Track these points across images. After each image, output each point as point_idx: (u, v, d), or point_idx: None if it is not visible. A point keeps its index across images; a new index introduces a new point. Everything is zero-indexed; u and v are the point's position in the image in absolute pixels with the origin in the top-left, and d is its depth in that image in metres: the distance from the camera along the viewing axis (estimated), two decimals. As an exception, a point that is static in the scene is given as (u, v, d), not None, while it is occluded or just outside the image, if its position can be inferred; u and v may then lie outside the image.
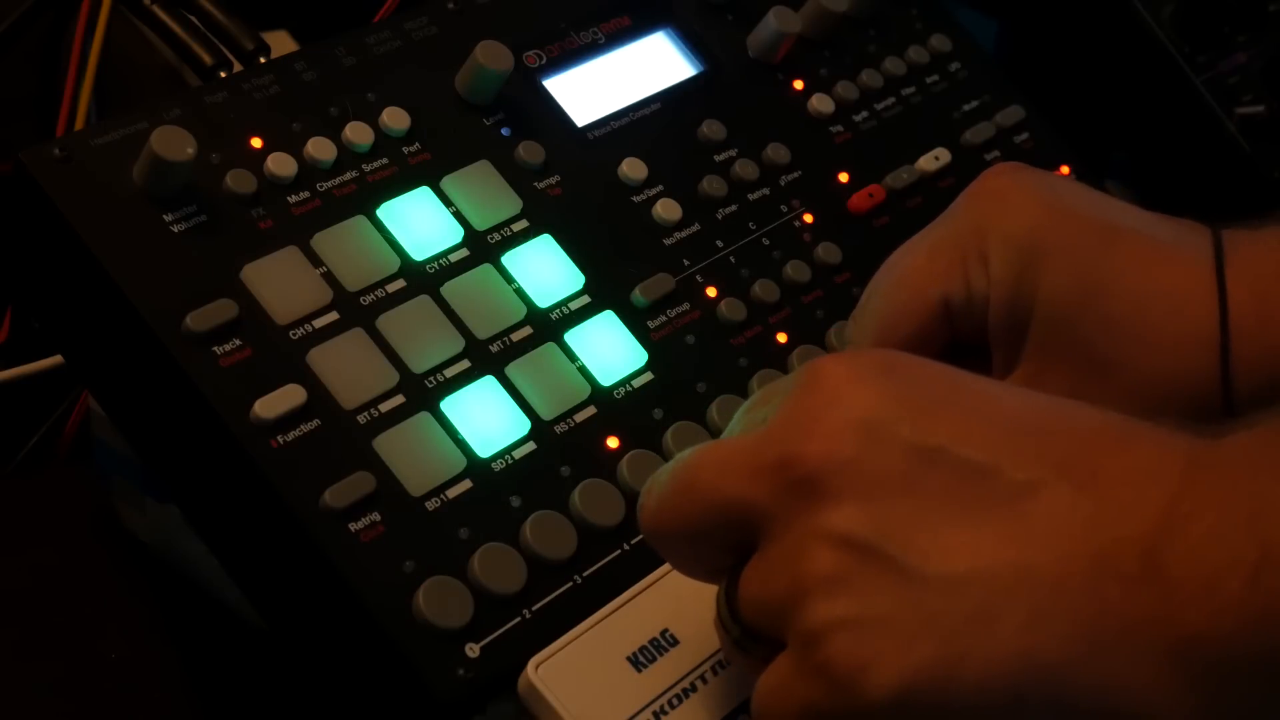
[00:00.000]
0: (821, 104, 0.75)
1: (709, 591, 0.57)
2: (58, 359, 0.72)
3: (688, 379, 0.64)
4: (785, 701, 0.47)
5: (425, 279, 0.61)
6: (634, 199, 0.68)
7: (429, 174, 0.64)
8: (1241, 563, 0.41)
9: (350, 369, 0.58)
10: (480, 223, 0.64)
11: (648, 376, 0.63)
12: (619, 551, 0.58)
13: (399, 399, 0.58)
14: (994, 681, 0.43)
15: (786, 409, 0.47)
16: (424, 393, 0.59)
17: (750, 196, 0.71)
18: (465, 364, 0.60)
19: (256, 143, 0.61)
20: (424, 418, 0.58)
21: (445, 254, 0.62)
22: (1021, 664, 0.43)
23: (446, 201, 0.63)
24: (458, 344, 0.60)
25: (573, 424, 0.61)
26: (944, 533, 0.44)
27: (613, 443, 0.61)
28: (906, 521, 0.45)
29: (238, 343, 0.57)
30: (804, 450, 0.46)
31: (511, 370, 0.60)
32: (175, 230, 0.58)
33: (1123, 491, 0.44)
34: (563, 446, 0.60)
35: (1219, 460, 0.44)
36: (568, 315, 0.63)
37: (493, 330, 0.61)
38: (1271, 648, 0.41)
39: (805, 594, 0.45)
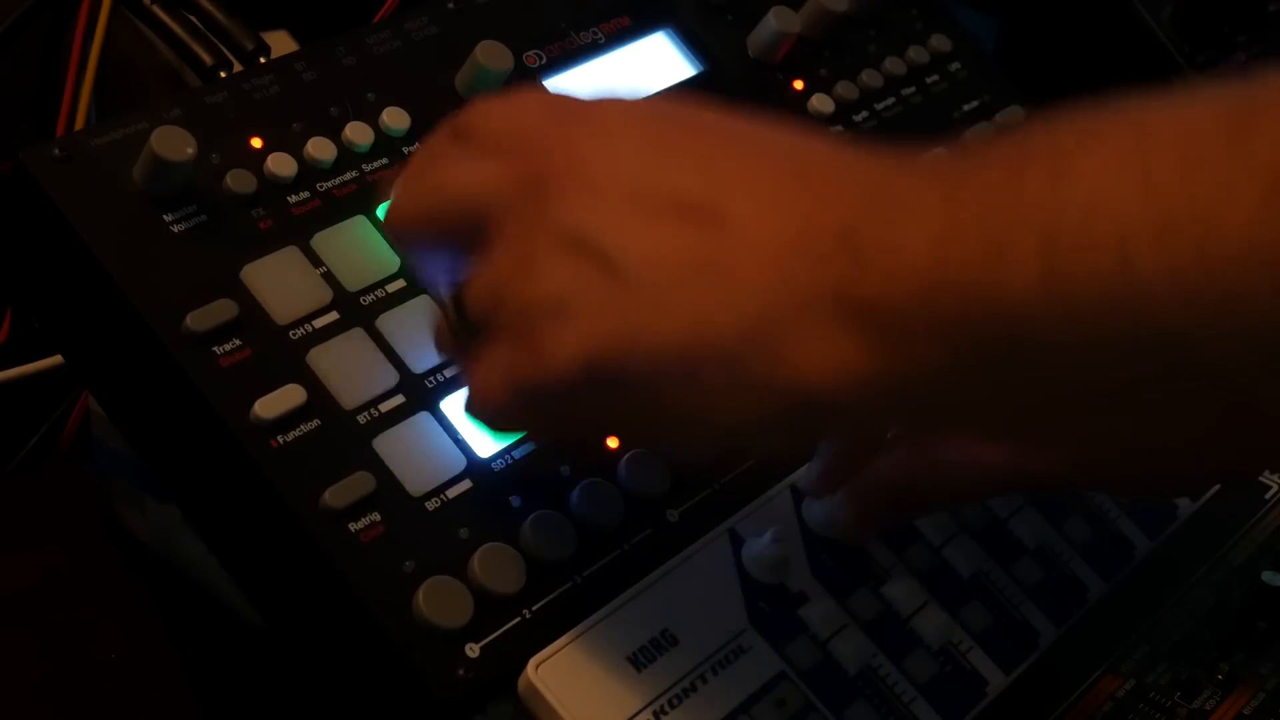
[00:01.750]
0: (821, 104, 0.75)
1: (710, 592, 0.57)
2: (58, 359, 0.72)
3: (688, 379, 0.64)
4: (492, 377, 0.50)
5: (425, 279, 0.61)
6: (634, 199, 0.68)
7: (429, 174, 0.64)
8: (927, 233, 0.43)
9: (350, 369, 0.58)
10: (480, 223, 0.64)
11: (648, 376, 0.63)
12: (619, 551, 0.58)
13: (399, 399, 0.58)
14: (666, 356, 0.46)
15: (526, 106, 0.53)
16: (424, 393, 0.59)
17: (750, 196, 0.71)
18: (465, 364, 0.60)
19: (256, 143, 0.61)
20: (424, 418, 0.58)
21: (445, 254, 0.62)
22: (692, 340, 0.46)
23: (446, 201, 0.63)
24: (458, 344, 0.60)
25: (573, 424, 0.61)
26: (648, 228, 0.47)
27: (613, 443, 0.61)
28: (619, 215, 0.48)
29: (238, 343, 0.57)
30: (538, 146, 0.50)
31: (511, 370, 0.60)
32: (175, 230, 0.58)
33: (831, 192, 0.46)
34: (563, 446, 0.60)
35: (919, 174, 0.46)
36: (568, 315, 0.63)
37: (493, 330, 0.61)
38: (947, 316, 0.43)
39: (519, 271, 0.49)
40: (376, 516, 0.55)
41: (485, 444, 0.59)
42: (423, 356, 0.59)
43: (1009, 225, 0.42)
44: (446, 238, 0.53)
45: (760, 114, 0.51)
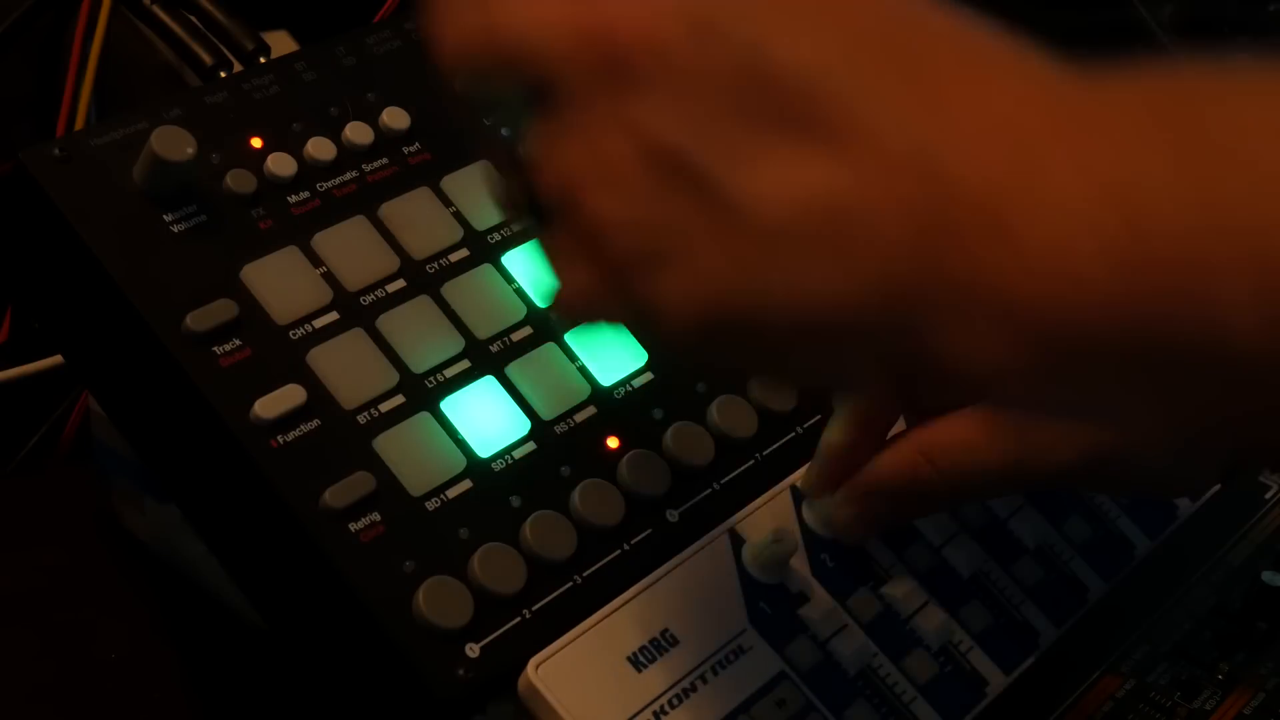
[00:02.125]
0: (821, 104, 0.75)
1: (710, 592, 0.57)
2: (58, 359, 0.72)
3: (688, 379, 0.64)
4: (578, 291, 0.44)
5: (425, 279, 0.61)
6: (634, 199, 0.68)
7: (429, 174, 0.64)
8: (1097, 232, 0.37)
9: (350, 369, 0.58)
10: (480, 223, 0.64)
11: (648, 376, 0.63)
12: (619, 551, 0.58)
13: (399, 399, 0.58)
14: (793, 319, 0.40)
15: None
16: (424, 393, 0.59)
17: (750, 196, 0.70)
18: (465, 364, 0.60)
19: (256, 143, 0.61)
20: (424, 418, 0.58)
21: (445, 254, 0.62)
22: (827, 308, 0.40)
23: (446, 201, 0.63)
24: (458, 344, 0.60)
25: (573, 424, 0.61)
26: (759, 153, 0.40)
27: (613, 443, 0.61)
28: (721, 133, 0.40)
29: (238, 343, 0.57)
30: (623, 24, 0.41)
31: (511, 370, 0.60)
32: (175, 230, 0.58)
33: (969, 126, 0.39)
34: (563, 446, 0.60)
35: (1093, 111, 0.39)
36: (568, 315, 0.63)
37: (493, 330, 0.61)
38: (1123, 335, 0.37)
39: (598, 182, 0.42)
40: (376, 516, 0.55)
41: (485, 444, 0.59)
42: (423, 356, 0.59)
43: (1208, 240, 0.36)
44: (499, 83, 0.44)
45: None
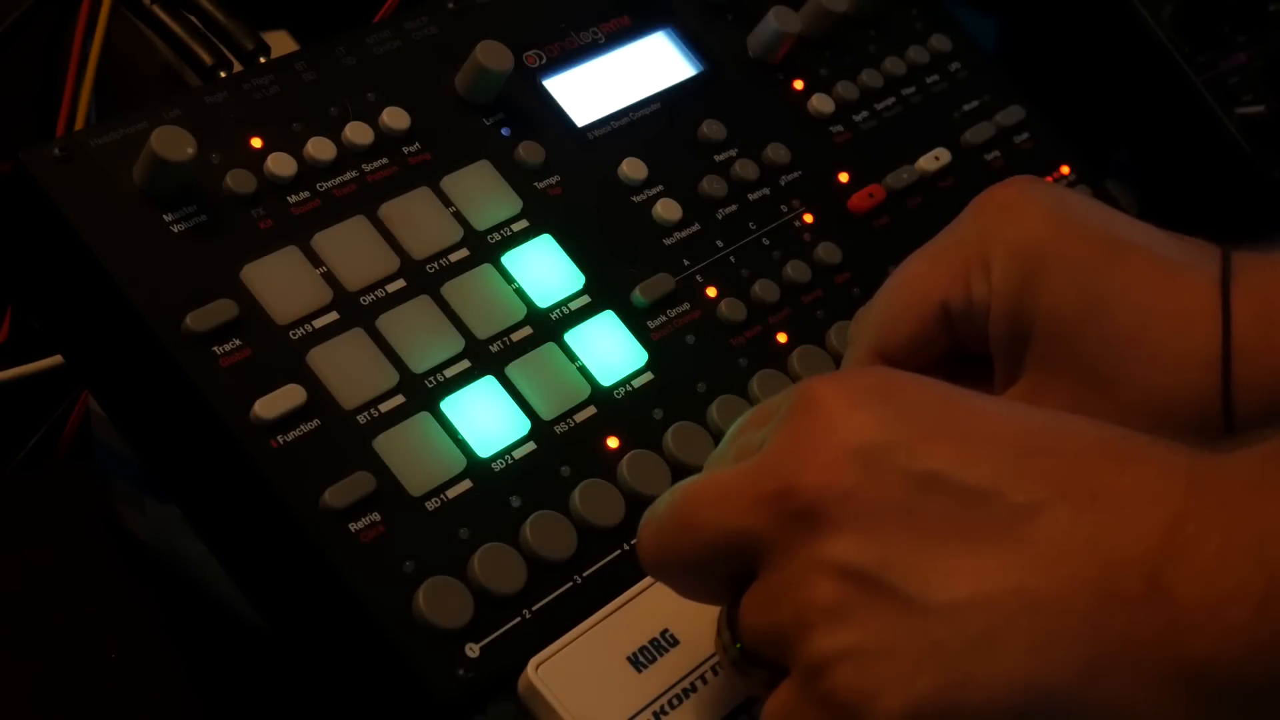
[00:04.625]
0: (821, 104, 0.75)
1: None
2: (58, 359, 0.72)
3: (688, 379, 0.64)
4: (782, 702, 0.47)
5: (425, 279, 0.61)
6: (634, 199, 0.68)
7: (429, 174, 0.64)
8: (1248, 589, 0.41)
9: (350, 369, 0.58)
10: (480, 223, 0.64)
11: (648, 376, 0.63)
12: (619, 551, 0.58)
13: (399, 399, 0.58)
14: (998, 707, 0.44)
15: (782, 436, 0.47)
16: (424, 393, 0.59)
17: (750, 196, 0.71)
18: (465, 364, 0.60)
19: (256, 143, 0.62)
20: (424, 418, 0.58)
21: (445, 254, 0.62)
22: (1025, 689, 0.43)
23: (446, 201, 0.63)
24: (458, 344, 0.60)
25: (573, 424, 0.61)
26: (944, 560, 0.45)
27: (613, 443, 0.61)
28: (906, 550, 0.45)
29: (238, 343, 0.57)
30: (802, 482, 0.46)
31: (511, 370, 0.61)
32: (175, 230, 0.58)
33: (1124, 512, 0.44)
34: (563, 446, 0.60)
35: (1222, 480, 0.43)
36: (568, 315, 0.63)
37: (493, 330, 0.61)
38: (1264, 665, 0.41)
39: (808, 625, 0.46)
40: (376, 516, 0.55)
41: (485, 444, 0.59)
42: (423, 356, 0.59)
43: None
44: (708, 574, 0.49)
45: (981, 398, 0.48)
